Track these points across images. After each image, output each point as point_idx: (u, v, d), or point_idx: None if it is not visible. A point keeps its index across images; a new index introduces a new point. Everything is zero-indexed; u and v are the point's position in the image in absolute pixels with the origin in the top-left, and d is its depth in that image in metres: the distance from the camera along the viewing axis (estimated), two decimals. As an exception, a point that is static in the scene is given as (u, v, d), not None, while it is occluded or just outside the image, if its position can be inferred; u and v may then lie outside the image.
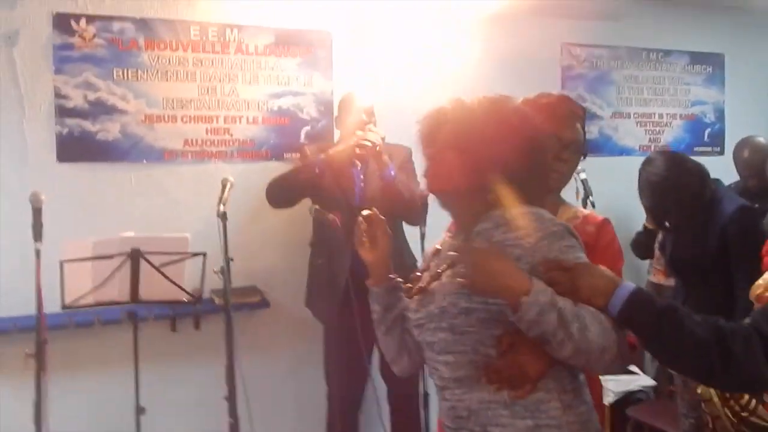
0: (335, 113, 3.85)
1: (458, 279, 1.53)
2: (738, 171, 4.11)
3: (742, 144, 4.06)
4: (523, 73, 4.53)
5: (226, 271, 3.00)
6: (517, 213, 1.59)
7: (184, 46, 3.74)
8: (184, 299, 2.96)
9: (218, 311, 3.31)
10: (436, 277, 1.66)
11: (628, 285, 1.49)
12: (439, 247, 1.81)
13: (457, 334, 1.60)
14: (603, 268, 1.56)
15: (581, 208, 2.19)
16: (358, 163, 3.46)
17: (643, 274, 4.63)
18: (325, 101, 4.03)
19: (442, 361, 1.65)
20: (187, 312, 3.53)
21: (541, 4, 4.45)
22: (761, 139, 4.00)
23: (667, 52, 5.09)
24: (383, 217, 1.87)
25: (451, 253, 1.63)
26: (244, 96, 3.87)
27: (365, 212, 1.86)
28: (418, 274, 1.79)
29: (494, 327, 1.55)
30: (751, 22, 5.31)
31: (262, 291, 3.87)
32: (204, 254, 2.89)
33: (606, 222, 2.12)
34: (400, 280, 1.87)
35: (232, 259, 3.04)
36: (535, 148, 1.66)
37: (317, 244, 3.60)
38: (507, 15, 4.42)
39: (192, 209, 3.73)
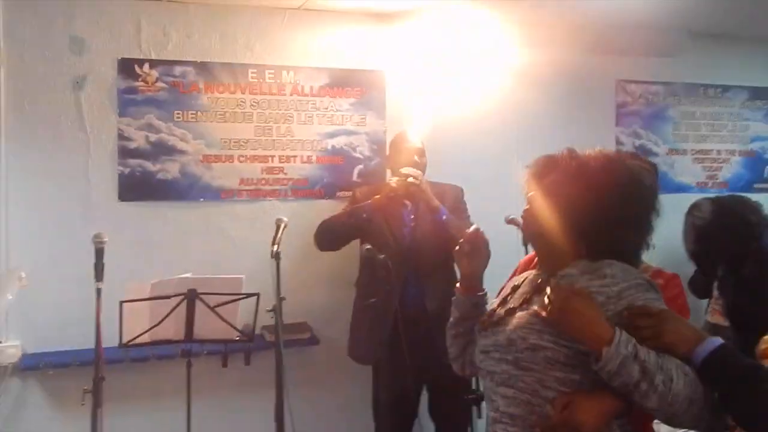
0: (387, 152, 3.91)
1: (542, 312, 1.57)
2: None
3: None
4: (578, 111, 4.53)
5: (278, 310, 3.06)
6: (604, 263, 1.63)
7: (242, 88, 3.86)
8: (237, 338, 3.02)
9: (269, 347, 3.37)
10: (513, 310, 1.71)
11: (716, 339, 1.50)
12: (518, 284, 1.85)
13: (520, 369, 1.62)
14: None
15: (652, 264, 2.19)
16: (408, 204, 3.49)
17: (701, 314, 4.50)
18: (377, 140, 4.10)
19: (500, 393, 1.67)
20: (238, 348, 3.59)
21: (595, 42, 4.43)
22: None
23: (726, 88, 4.99)
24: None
25: (543, 285, 1.67)
26: (299, 135, 3.96)
27: (474, 227, 1.95)
28: (495, 307, 1.84)
29: (558, 369, 1.57)
30: (812, 56, 5.17)
31: (312, 328, 3.92)
32: (257, 295, 2.96)
33: (674, 276, 2.15)
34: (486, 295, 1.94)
35: (284, 298, 3.10)
36: (640, 214, 1.67)
37: (365, 285, 3.61)
38: (561, 54, 4.41)
39: (247, 246, 3.83)
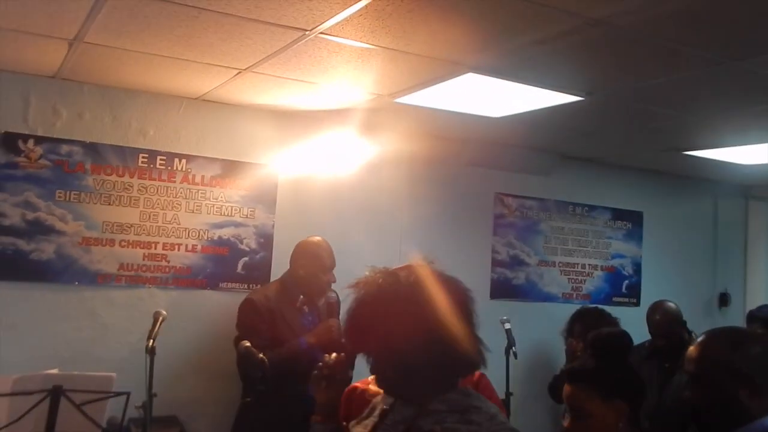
0: (275, 247, 3.94)
1: None
2: (650, 331, 4.35)
3: (655, 307, 4.32)
4: (458, 218, 4.78)
5: (148, 408, 2.97)
6: (472, 400, 1.64)
7: (131, 172, 3.81)
8: (101, 437, 2.87)
9: (136, 443, 3.22)
10: None
11: None
12: (375, 404, 1.85)
13: None
14: None
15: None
16: (306, 309, 3.55)
17: (557, 417, 4.74)
18: (265, 234, 4.13)
19: None
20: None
21: (477, 156, 4.75)
22: (671, 304, 4.28)
23: (592, 207, 5.44)
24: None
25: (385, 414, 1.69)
26: (185, 224, 3.93)
27: (331, 356, 1.90)
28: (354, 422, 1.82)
29: None
30: (666, 184, 5.77)
31: (182, 423, 3.78)
32: (128, 394, 2.84)
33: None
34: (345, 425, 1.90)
35: (155, 395, 3.01)
36: (434, 339, 1.61)
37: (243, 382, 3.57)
38: (445, 164, 4.68)
39: (122, 334, 3.71)
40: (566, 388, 2.15)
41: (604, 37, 2.64)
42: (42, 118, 3.64)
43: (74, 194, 3.67)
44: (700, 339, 2.03)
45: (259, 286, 3.96)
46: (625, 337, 2.24)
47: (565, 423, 2.16)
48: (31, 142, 3.60)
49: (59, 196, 3.64)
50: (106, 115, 3.78)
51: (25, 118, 3.61)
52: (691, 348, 2.02)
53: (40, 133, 3.62)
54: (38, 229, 3.59)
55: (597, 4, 2.34)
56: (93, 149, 3.73)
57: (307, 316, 3.56)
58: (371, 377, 2.17)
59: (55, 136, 3.65)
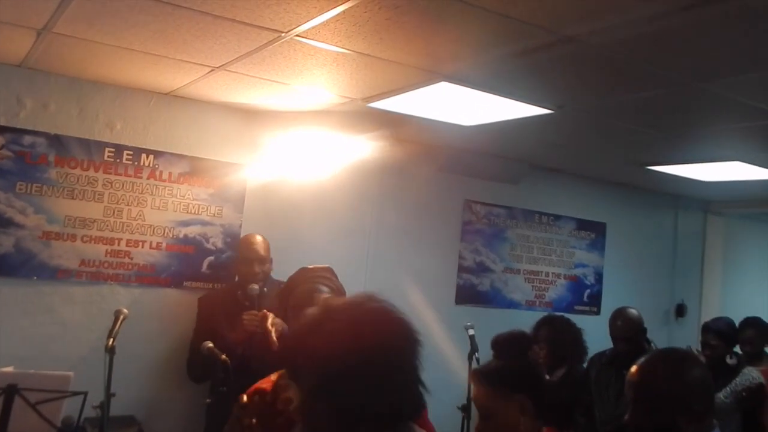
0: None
1: None
2: (611, 336, 4.41)
3: (617, 313, 4.38)
4: (427, 224, 4.80)
5: (105, 408, 2.93)
6: None
7: (96, 166, 3.73)
8: (56, 436, 2.81)
9: (92, 443, 3.16)
10: None
11: None
12: None
13: None
14: None
15: None
16: (247, 303, 3.56)
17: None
18: (232, 233, 4.08)
19: None
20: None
21: (447, 162, 4.77)
22: (633, 311, 4.34)
23: (557, 217, 5.51)
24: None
25: None
26: (150, 221, 3.86)
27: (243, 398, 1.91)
28: None
29: None
30: (629, 196, 5.89)
31: (140, 422, 3.72)
32: (85, 393, 2.78)
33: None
34: None
35: (113, 395, 2.97)
36: (363, 363, 1.41)
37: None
38: (415, 168, 4.69)
39: (80, 332, 3.63)
40: (472, 390, 2.20)
41: (576, 54, 2.68)
42: (5, 108, 3.54)
43: (36, 187, 3.59)
44: (639, 363, 2.07)
45: (223, 285, 3.94)
46: (524, 337, 2.29)
47: (475, 425, 2.21)
48: (-7, 132, 3.50)
49: (20, 188, 3.55)
50: (73, 107, 3.69)
51: (-13, 107, 3.51)
52: (632, 371, 2.06)
53: (2, 123, 3.52)
54: (-4, 221, 3.50)
55: (572, 23, 2.38)
56: (57, 141, 3.64)
57: (248, 308, 3.53)
58: (273, 375, 2.15)
59: (18, 127, 3.56)
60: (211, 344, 3.13)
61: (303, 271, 2.55)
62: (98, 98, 3.75)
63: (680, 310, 6.28)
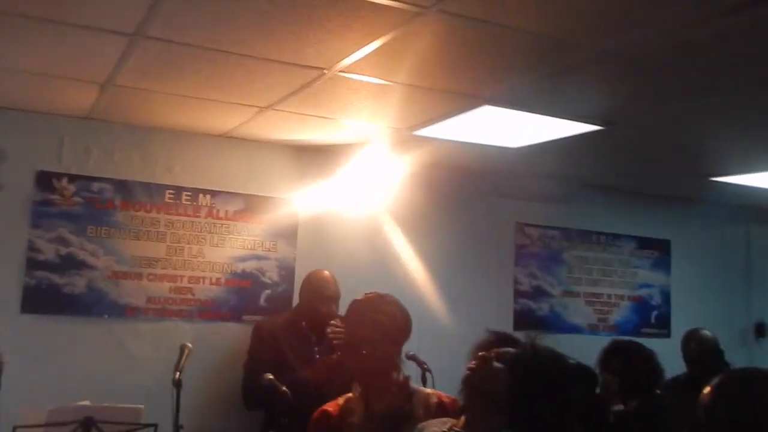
0: (296, 279, 4.02)
1: None
2: (685, 360, 4.27)
3: (690, 335, 4.23)
4: (479, 249, 4.80)
5: (174, 440, 3.03)
6: None
7: (158, 208, 3.95)
8: (128, 466, 2.94)
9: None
10: None
11: None
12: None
13: None
14: None
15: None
16: (313, 337, 3.64)
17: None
18: (287, 266, 4.21)
19: None
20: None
21: (496, 186, 4.78)
22: (707, 332, 4.19)
23: (616, 236, 5.40)
24: None
25: None
26: (210, 257, 4.04)
27: None
28: None
29: None
30: (695, 212, 5.66)
31: (208, 454, 3.84)
32: (155, 426, 2.92)
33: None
34: None
35: (182, 426, 3.08)
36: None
37: (266, 413, 3.64)
38: (464, 194, 4.73)
39: (149, 366, 3.79)
40: None
41: (618, 67, 2.69)
42: (75, 157, 3.81)
43: (105, 230, 3.82)
44: (713, 383, 1.92)
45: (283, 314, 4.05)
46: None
47: None
48: (64, 180, 3.76)
49: (91, 232, 3.79)
50: (135, 153, 3.94)
51: (59, 158, 3.78)
52: (704, 393, 1.91)
53: (73, 172, 3.79)
54: (71, 264, 3.73)
55: (609, 37, 2.39)
56: (123, 186, 3.88)
57: (314, 344, 3.62)
58: (341, 398, 2.22)
59: (87, 174, 3.82)
60: (271, 376, 3.19)
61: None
62: (157, 144, 3.99)
63: (760, 330, 5.91)
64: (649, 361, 4.16)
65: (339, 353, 3.21)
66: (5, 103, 3.62)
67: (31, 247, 3.66)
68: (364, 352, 2.22)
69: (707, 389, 1.89)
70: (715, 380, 1.90)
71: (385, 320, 2.30)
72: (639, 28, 2.31)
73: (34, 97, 3.52)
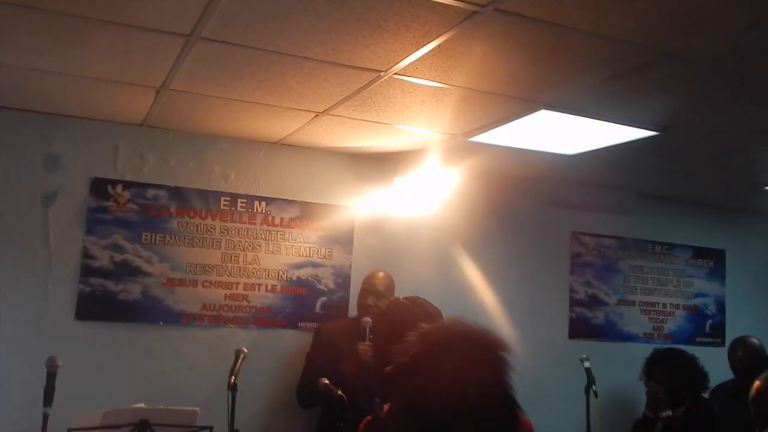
0: (352, 286, 4.00)
1: None
2: (732, 368, 4.15)
3: (736, 343, 4.14)
4: (534, 258, 4.73)
5: (231, 445, 3.01)
6: None
7: (213, 215, 3.94)
8: (185, 470, 2.93)
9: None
10: None
11: None
12: None
13: None
14: None
15: None
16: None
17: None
18: (343, 274, 4.18)
19: None
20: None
21: (552, 196, 4.71)
22: (755, 340, 4.10)
23: (672, 246, 5.29)
24: None
25: None
26: (265, 265, 4.01)
27: None
28: None
29: None
30: (750, 222, 5.56)
31: (264, 461, 3.82)
32: (210, 428, 2.90)
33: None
34: None
35: (237, 430, 3.06)
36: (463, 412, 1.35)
37: (320, 418, 3.65)
38: (519, 202, 4.66)
39: (204, 373, 3.77)
40: None
41: (677, 70, 2.60)
42: (130, 164, 3.81)
43: (160, 237, 3.82)
44: (761, 377, 1.92)
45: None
46: None
47: None
48: (119, 187, 3.77)
49: (145, 239, 3.79)
50: (190, 160, 3.94)
51: (114, 165, 3.79)
52: (753, 387, 1.91)
53: (128, 179, 3.79)
54: (126, 271, 3.73)
55: (670, 38, 2.32)
56: (178, 193, 3.88)
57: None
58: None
59: (142, 181, 3.82)
60: (326, 381, 3.17)
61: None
62: (213, 151, 3.98)
63: (814, 340, 5.80)
64: (691, 367, 4.10)
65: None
66: (62, 111, 3.64)
67: (86, 254, 3.66)
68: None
69: (756, 384, 1.90)
70: (764, 374, 1.90)
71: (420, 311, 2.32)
72: (701, 30, 2.22)
73: (90, 104, 3.53)
